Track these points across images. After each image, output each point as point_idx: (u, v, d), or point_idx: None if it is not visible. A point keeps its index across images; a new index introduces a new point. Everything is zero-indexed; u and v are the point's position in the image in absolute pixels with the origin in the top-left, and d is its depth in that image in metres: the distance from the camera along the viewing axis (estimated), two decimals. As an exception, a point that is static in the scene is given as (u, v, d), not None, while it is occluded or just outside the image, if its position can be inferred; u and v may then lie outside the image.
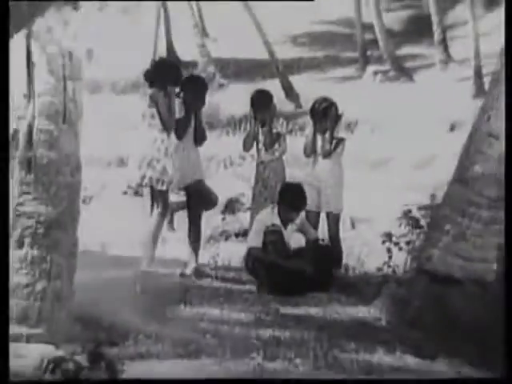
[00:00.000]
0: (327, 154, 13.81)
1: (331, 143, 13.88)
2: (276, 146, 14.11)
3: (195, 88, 13.63)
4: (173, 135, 13.31)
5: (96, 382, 7.43)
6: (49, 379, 8.00)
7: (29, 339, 8.27)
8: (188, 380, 7.45)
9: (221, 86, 33.90)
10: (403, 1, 42.54)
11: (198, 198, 13.52)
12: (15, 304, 8.31)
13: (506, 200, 7.49)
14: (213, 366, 8.99)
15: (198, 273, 13.32)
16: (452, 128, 27.18)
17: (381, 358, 9.81)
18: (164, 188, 13.24)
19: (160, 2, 42.06)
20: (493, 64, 13.66)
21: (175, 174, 13.30)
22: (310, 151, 13.95)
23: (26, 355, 8.10)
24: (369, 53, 40.66)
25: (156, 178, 13.17)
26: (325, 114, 13.86)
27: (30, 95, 8.37)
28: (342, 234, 14.59)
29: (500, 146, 11.75)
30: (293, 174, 14.32)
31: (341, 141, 14.08)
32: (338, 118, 14.09)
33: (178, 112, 13.40)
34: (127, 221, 14.69)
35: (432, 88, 36.17)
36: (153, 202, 13.49)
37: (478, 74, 34.86)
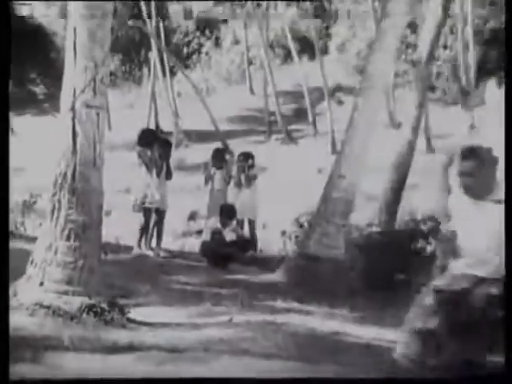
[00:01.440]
0: (247, 186, 15.41)
1: (250, 180, 15.47)
2: (226, 181, 15.58)
3: (165, 147, 15.16)
4: (154, 174, 14.76)
5: (97, 381, 6.17)
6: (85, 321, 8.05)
7: (74, 293, 8.62)
8: (188, 379, 6.23)
9: (186, 145, 35.87)
10: (292, 97, 43.39)
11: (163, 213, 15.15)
12: (66, 274, 8.73)
13: (506, 200, 6.02)
14: (181, 310, 9.73)
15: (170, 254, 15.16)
16: (319, 171, 28.14)
17: (280, 304, 10.65)
18: (149, 205, 14.71)
19: (151, 99, 42.77)
20: (343, 133, 14.60)
21: (156, 196, 14.75)
22: (238, 184, 15.41)
23: (72, 302, 8.51)
24: (272, 128, 41.51)
25: (144, 199, 14.67)
26: (246, 160, 15.41)
27: (74, 151, 8.79)
28: (257, 231, 16.01)
29: (346, 182, 12.95)
30: (229, 198, 15.64)
31: (255, 177, 15.50)
32: (253, 163, 15.47)
33: (156, 161, 14.78)
34: (131, 223, 15.60)
35: (308, 148, 37.90)
36: (144, 213, 14.80)
37: (333, 140, 36.36)
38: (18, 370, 6.28)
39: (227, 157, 16.03)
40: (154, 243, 15.24)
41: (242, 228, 15.23)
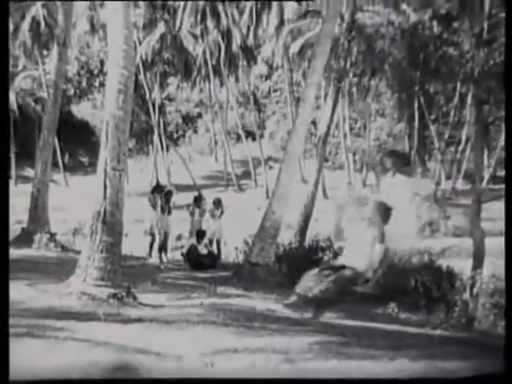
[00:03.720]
0: (218, 218, 14.91)
1: (220, 214, 14.99)
2: (202, 215, 15.14)
3: (168, 195, 14.87)
4: (158, 211, 14.47)
5: (100, 381, 5.11)
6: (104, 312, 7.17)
7: (104, 286, 8.52)
8: (189, 380, 5.17)
9: (176, 193, 35.62)
10: (241, 164, 43.82)
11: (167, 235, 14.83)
12: (100, 274, 8.60)
13: (506, 200, 5.02)
14: (170, 296, 9.50)
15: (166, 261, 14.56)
16: (258, 209, 26.81)
17: (233, 291, 10.47)
18: (155, 231, 14.42)
19: (154, 165, 41.74)
20: (272, 186, 14.32)
21: (161, 228, 14.46)
22: (213, 216, 14.86)
23: (103, 291, 8.40)
24: (229, 182, 41.08)
25: (152, 229, 14.41)
26: (219, 203, 15.06)
27: (105, 197, 8.68)
28: (222, 247, 15.33)
29: (275, 216, 12.85)
30: (204, 226, 14.99)
31: (222, 213, 15.05)
32: (222, 204, 15.10)
33: (162, 204, 14.50)
34: (140, 243, 15.52)
35: (251, 195, 37.74)
36: (152, 236, 14.48)
37: (267, 190, 36.05)
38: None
39: (202, 201, 15.98)
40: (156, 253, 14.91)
41: (211, 245, 14.76)
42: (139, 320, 7.26)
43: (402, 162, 6.08)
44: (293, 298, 6.21)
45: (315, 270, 6.21)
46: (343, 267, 6.02)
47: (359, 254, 5.99)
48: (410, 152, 41.19)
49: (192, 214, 15.38)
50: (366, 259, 5.97)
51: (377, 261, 5.96)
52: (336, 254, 12.86)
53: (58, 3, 16.89)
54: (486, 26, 16.38)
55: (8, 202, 4.74)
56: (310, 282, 6.12)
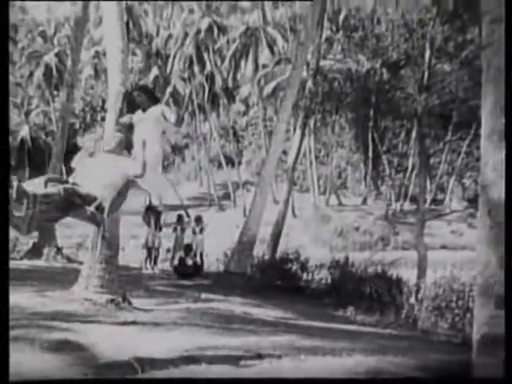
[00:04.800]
0: (200, 234, 14.14)
1: (201, 230, 14.25)
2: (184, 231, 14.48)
3: (159, 214, 14.55)
4: (152, 228, 13.97)
5: (98, 381, 4.50)
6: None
7: (103, 293, 8.30)
8: (188, 380, 4.66)
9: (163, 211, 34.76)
10: (222, 187, 43.52)
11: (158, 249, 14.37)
12: (100, 282, 8.39)
13: (506, 200, 4.43)
14: (160, 301, 9.26)
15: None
16: (237, 226, 25.15)
17: (215, 297, 10.13)
18: (149, 245, 13.98)
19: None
20: (249, 205, 14.32)
21: (153, 242, 14.01)
22: (194, 232, 14.09)
23: (103, 297, 8.12)
24: (211, 203, 40.60)
25: (146, 243, 14.00)
26: (200, 219, 14.39)
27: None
28: (204, 259, 14.51)
29: (250, 232, 12.94)
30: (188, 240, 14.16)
31: (203, 229, 14.27)
32: (203, 221, 14.33)
33: (155, 221, 14.06)
34: (135, 255, 15.13)
35: (230, 214, 37.30)
36: (147, 250, 14.00)
37: (244, 210, 35.09)
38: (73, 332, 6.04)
39: (186, 219, 15.68)
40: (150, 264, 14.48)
41: (195, 257, 14.11)
42: (134, 323, 7.16)
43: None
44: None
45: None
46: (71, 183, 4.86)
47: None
48: (365, 177, 41.59)
49: (175, 230, 15.00)
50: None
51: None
52: (303, 265, 12.92)
53: (68, 52, 17.01)
54: (426, 74, 16.85)
55: (8, 209, 4.26)
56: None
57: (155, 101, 5.19)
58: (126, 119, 5.27)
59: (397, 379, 4.75)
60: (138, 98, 5.22)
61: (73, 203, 4.68)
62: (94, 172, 4.84)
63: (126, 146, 5.10)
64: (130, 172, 4.88)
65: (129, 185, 4.97)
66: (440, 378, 4.76)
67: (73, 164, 5.04)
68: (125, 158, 5.00)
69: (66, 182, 4.84)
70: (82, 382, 4.48)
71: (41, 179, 4.71)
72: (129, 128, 5.18)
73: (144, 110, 5.13)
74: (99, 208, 4.75)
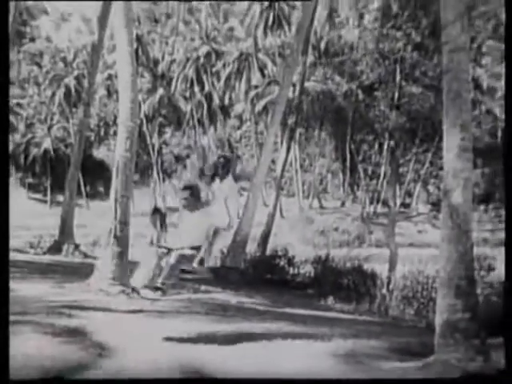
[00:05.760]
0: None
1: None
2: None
3: (165, 216, 14.54)
4: (158, 228, 13.89)
5: (97, 381, 3.92)
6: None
7: (116, 284, 8.21)
8: (188, 379, 4.23)
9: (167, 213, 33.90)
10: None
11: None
12: (112, 275, 8.28)
13: (506, 200, 4.09)
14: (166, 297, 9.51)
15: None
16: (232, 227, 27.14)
17: (212, 289, 9.93)
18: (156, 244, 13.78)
19: (152, 192, 40.71)
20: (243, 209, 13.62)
21: (159, 241, 13.89)
22: None
23: (115, 288, 8.13)
24: None
25: (151, 241, 13.79)
26: None
27: (115, 217, 8.43)
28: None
29: (243, 232, 12.67)
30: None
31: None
32: None
33: (161, 223, 14.06)
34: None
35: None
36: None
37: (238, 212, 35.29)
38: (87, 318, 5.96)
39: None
40: None
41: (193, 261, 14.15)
42: (141, 311, 7.09)
43: None
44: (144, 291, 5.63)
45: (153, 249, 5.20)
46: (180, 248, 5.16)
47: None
48: (343, 184, 41.67)
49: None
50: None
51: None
52: (289, 261, 12.85)
53: (85, 75, 17.36)
54: (396, 95, 16.92)
55: (8, 207, 4.09)
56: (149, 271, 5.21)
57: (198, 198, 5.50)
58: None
59: (397, 379, 4.34)
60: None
61: None
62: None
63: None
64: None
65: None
66: (440, 378, 4.33)
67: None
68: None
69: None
70: (82, 382, 4.00)
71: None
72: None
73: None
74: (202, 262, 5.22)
